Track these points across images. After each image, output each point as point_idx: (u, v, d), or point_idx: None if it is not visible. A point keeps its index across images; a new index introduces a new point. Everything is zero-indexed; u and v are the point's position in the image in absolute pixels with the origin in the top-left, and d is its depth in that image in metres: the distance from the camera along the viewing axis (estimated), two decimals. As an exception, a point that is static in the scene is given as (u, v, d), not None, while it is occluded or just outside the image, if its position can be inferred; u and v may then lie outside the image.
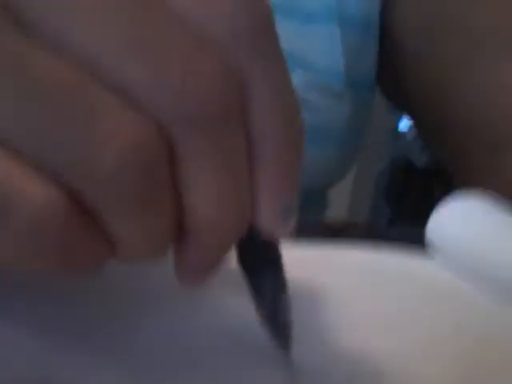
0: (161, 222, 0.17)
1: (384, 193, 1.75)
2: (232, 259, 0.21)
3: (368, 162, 1.45)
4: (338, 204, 1.47)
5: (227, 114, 0.16)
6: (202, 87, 0.16)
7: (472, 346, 0.26)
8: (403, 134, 1.56)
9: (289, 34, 0.45)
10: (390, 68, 0.50)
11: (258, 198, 0.18)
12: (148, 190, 0.16)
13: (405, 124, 1.52)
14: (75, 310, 0.24)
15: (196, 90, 0.16)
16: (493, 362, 0.25)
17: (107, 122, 0.15)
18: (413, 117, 0.53)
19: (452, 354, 0.25)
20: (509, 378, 0.24)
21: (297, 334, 0.22)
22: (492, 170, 0.45)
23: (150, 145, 0.16)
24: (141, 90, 0.16)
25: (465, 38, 0.46)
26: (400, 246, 0.34)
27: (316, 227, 0.40)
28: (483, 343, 0.26)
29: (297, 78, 0.45)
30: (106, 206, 0.16)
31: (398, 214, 1.91)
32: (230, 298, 0.26)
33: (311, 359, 0.23)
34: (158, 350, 0.23)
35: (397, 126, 1.54)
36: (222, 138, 0.16)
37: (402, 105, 0.54)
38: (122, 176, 0.15)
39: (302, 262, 0.28)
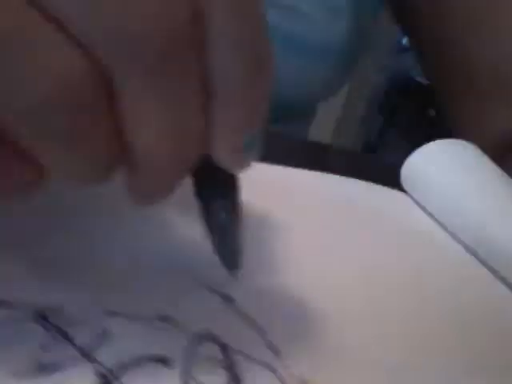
0: (96, 153, 0.16)
1: (379, 103, 1.74)
2: (189, 185, 0.21)
3: (366, 72, 1.42)
4: (330, 113, 1.46)
5: (174, 48, 0.15)
6: (141, 21, 0.15)
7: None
8: (407, 49, 1.53)
9: None
10: None
11: (213, 133, 0.17)
12: (79, 124, 0.15)
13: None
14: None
15: (134, 24, 0.15)
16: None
17: (42, 58, 0.14)
18: (414, 37, 0.51)
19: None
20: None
21: (246, 260, 0.23)
22: (479, 116, 0.44)
23: (82, 81, 0.15)
24: (77, 25, 0.15)
25: None
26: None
27: (292, 147, 0.39)
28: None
29: None
30: (36, 139, 0.15)
31: (390, 124, 1.91)
32: (180, 220, 0.26)
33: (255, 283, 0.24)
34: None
35: (401, 40, 1.50)
36: (164, 74, 0.15)
37: (405, 22, 0.52)
38: (52, 111, 0.15)
39: (262, 184, 0.28)
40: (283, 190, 0.31)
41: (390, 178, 0.35)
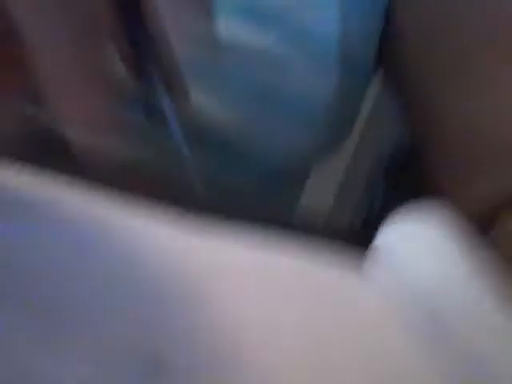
0: None
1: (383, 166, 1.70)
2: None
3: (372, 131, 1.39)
4: (330, 176, 1.42)
5: None
6: None
7: None
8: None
9: None
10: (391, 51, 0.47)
11: None
12: None
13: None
14: None
15: None
16: None
17: None
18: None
19: None
20: None
21: None
22: (469, 180, 0.41)
23: None
24: None
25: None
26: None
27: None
28: None
29: (275, 33, 0.43)
30: None
31: (393, 188, 1.87)
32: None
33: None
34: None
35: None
36: None
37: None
38: None
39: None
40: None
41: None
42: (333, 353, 0.25)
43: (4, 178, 0.27)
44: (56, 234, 0.25)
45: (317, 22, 0.44)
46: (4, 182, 0.27)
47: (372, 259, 0.32)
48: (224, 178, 0.47)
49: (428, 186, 0.45)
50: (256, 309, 0.26)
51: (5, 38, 0.24)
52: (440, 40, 0.43)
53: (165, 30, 0.38)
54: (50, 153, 0.36)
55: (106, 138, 0.36)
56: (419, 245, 0.31)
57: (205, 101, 0.43)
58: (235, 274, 0.28)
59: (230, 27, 0.43)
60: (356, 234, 0.36)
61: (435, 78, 0.43)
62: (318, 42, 0.45)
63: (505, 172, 0.40)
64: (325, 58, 0.45)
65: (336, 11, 0.45)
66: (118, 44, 0.35)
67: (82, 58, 0.36)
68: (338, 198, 1.38)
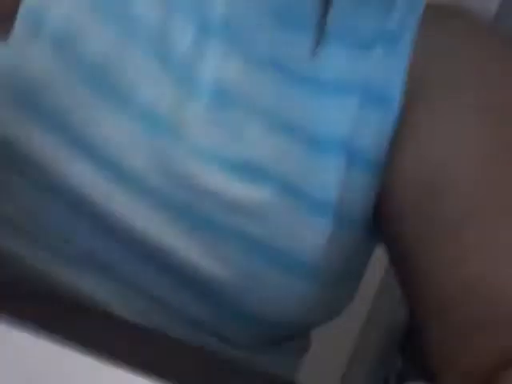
0: None
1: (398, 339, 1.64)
2: None
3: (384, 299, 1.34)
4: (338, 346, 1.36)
5: None
6: None
7: None
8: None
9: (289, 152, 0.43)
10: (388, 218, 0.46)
11: None
12: None
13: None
14: None
15: None
16: None
17: None
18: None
19: None
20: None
21: None
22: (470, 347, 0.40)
23: None
24: None
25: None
26: None
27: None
28: None
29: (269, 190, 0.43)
30: None
31: (412, 366, 1.78)
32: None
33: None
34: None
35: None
36: None
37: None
38: None
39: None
40: None
41: None
42: None
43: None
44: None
45: (315, 185, 0.44)
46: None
47: None
48: (221, 332, 0.45)
49: (430, 355, 0.43)
50: None
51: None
52: (431, 212, 0.43)
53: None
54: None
55: None
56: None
57: (199, 258, 0.42)
58: None
59: (223, 181, 0.42)
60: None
61: (429, 247, 0.43)
62: (314, 199, 0.43)
63: (504, 333, 0.39)
64: (320, 212, 0.44)
65: (335, 176, 0.44)
66: None
67: None
68: (349, 368, 1.30)
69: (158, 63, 0.42)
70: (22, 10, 0.42)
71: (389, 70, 0.45)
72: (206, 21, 0.44)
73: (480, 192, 0.41)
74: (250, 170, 0.42)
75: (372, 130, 0.45)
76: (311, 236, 0.43)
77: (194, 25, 0.43)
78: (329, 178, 0.44)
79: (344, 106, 0.44)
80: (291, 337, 0.48)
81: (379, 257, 0.51)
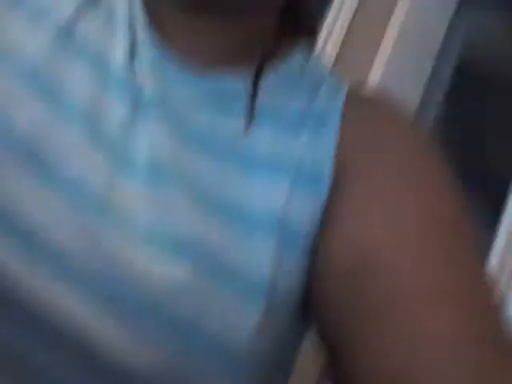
0: None
1: None
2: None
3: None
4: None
5: None
6: None
7: None
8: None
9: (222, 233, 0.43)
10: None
11: None
12: None
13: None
14: None
15: None
16: None
17: None
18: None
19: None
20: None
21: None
22: None
23: None
24: None
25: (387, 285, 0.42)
26: None
27: None
28: None
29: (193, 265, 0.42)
30: None
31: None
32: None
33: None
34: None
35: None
36: None
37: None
38: None
39: None
40: None
41: None
42: None
43: None
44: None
45: (245, 265, 0.43)
46: None
47: None
48: None
49: None
50: None
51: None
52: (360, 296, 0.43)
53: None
54: None
55: None
56: None
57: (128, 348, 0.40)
58: None
59: (152, 260, 0.41)
60: None
61: (353, 337, 0.42)
62: (246, 279, 0.43)
63: None
64: (251, 294, 0.43)
65: (267, 256, 0.44)
66: None
67: None
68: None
69: (90, 139, 0.42)
70: None
71: (317, 151, 0.46)
72: (140, 98, 0.44)
73: (405, 280, 0.41)
74: (179, 248, 0.42)
75: (303, 210, 0.45)
76: (242, 319, 0.42)
77: (128, 102, 0.44)
78: (260, 258, 0.43)
79: (276, 184, 0.45)
80: None
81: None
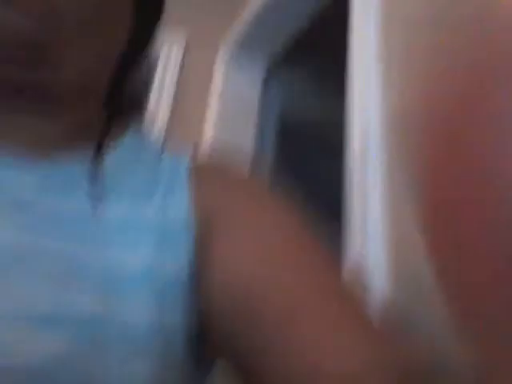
0: None
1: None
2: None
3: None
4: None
5: None
6: None
7: None
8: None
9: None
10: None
11: None
12: None
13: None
14: None
15: None
16: None
17: None
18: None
19: None
20: None
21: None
22: None
23: None
24: None
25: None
26: None
27: None
28: None
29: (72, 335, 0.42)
30: None
31: None
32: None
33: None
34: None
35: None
36: None
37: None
38: None
39: None
40: None
41: None
42: None
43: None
44: None
45: (126, 326, 0.43)
46: None
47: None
48: None
49: None
50: None
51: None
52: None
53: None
54: None
55: None
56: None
57: None
58: None
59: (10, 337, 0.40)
60: None
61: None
62: (130, 342, 0.43)
63: None
64: (138, 355, 0.43)
65: (149, 314, 0.44)
66: None
67: None
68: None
69: None
70: None
71: (173, 212, 0.49)
72: None
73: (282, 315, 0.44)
74: (45, 324, 0.41)
75: (173, 262, 0.47)
76: (134, 376, 0.43)
77: None
78: (139, 318, 0.44)
79: (138, 246, 0.46)
80: None
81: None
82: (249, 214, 0.50)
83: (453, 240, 0.35)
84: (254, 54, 1.90)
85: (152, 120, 1.88)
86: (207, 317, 0.46)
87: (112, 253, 0.45)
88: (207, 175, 0.53)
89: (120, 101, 0.56)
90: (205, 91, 1.91)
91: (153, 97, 1.96)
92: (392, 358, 0.42)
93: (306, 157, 2.01)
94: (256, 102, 1.88)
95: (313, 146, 2.06)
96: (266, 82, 1.95)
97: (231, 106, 1.83)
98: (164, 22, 0.58)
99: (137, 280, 0.45)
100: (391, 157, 0.93)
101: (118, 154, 0.52)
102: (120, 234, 0.47)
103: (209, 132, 1.74)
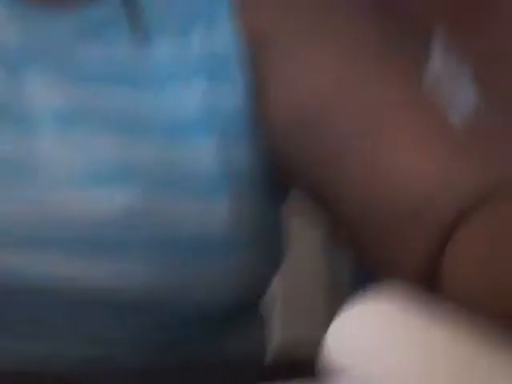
0: None
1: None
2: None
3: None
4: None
5: None
6: None
7: None
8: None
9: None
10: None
11: None
12: None
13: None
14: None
15: None
16: None
17: None
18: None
19: None
20: None
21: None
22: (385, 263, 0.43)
23: None
24: None
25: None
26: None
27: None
28: None
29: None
30: None
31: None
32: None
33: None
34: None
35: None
36: None
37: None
38: None
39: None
40: None
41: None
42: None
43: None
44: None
45: (195, 165, 0.45)
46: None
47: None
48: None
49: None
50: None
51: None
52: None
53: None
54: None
55: None
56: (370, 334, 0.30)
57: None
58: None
59: (96, 197, 0.43)
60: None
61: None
62: (200, 181, 0.45)
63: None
64: (210, 193, 0.45)
65: (214, 149, 0.45)
66: None
67: None
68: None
69: None
70: None
71: (219, 44, 0.47)
72: (12, 58, 0.45)
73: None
74: (117, 176, 0.44)
75: (231, 95, 0.47)
76: (210, 217, 0.44)
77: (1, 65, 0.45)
78: (206, 154, 0.45)
79: (192, 88, 0.46)
80: (234, 316, 0.48)
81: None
82: (320, 30, 0.47)
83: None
84: None
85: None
86: (275, 144, 0.46)
87: (167, 95, 0.46)
88: None
89: None
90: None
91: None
92: (481, 171, 0.41)
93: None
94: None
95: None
96: None
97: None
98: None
99: (196, 120, 0.46)
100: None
101: None
102: (170, 75, 0.47)
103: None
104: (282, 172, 0.47)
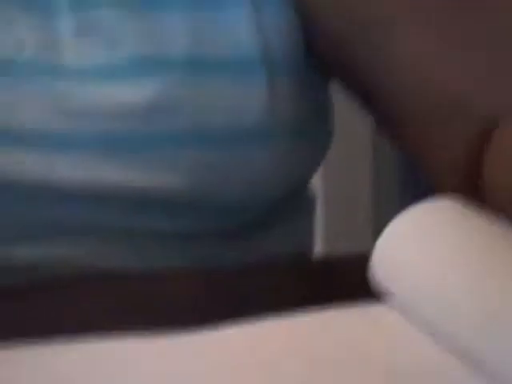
0: None
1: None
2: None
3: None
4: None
5: None
6: None
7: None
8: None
9: None
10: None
11: None
12: None
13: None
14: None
15: None
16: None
17: None
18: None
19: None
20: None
21: None
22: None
23: None
24: None
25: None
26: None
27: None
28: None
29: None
30: None
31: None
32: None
33: None
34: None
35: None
36: None
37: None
38: None
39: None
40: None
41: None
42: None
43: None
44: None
45: (231, 43, 0.43)
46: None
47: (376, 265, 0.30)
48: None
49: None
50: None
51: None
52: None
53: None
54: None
55: None
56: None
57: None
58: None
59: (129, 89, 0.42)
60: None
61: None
62: (237, 62, 0.44)
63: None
64: (247, 74, 0.43)
65: (250, 25, 0.43)
66: None
67: None
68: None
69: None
70: None
71: None
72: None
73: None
74: (144, 68, 0.42)
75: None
76: (248, 102, 0.43)
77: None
78: (242, 30, 0.43)
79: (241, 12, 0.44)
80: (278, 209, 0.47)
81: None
82: None
83: None
84: None
85: None
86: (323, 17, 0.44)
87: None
88: None
89: None
90: None
91: None
92: None
93: None
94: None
95: None
96: None
97: None
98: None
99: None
100: None
101: None
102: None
103: None
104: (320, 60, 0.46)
